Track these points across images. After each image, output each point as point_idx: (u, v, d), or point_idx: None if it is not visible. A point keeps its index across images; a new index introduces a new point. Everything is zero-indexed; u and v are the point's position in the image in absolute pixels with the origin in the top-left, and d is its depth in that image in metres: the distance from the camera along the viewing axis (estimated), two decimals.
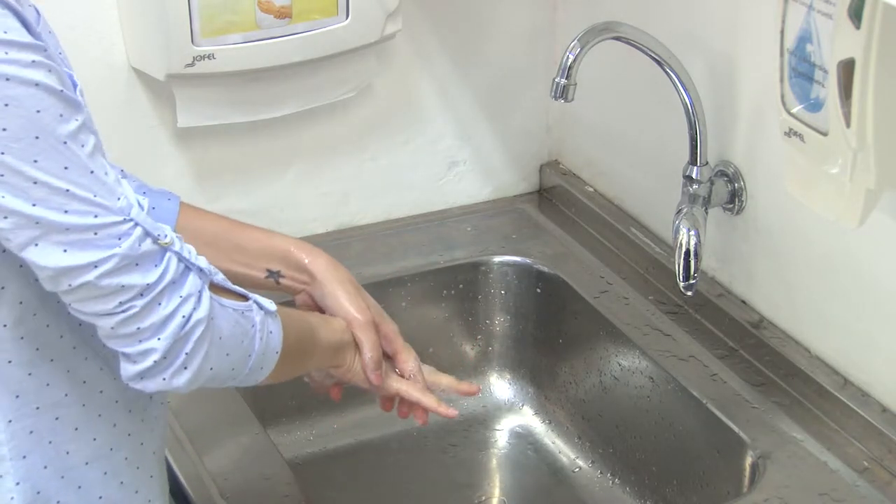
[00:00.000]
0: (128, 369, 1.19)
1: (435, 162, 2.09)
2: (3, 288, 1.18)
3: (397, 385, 1.51)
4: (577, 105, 1.69)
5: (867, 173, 1.34)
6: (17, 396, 1.21)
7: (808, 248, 1.64)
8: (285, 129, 1.95)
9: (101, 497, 1.28)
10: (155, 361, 1.18)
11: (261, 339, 1.26)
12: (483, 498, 1.90)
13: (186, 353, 1.19)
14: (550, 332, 1.95)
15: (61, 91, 1.10)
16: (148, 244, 1.16)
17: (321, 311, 1.51)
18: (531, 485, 1.91)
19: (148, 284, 1.15)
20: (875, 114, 1.30)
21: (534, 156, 2.15)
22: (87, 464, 1.27)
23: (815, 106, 1.38)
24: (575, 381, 1.91)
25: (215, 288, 1.23)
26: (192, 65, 1.75)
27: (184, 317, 1.18)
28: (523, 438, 1.95)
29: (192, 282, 1.19)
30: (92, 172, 1.12)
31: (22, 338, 1.20)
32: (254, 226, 1.53)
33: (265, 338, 1.27)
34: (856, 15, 1.28)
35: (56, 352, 1.22)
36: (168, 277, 1.17)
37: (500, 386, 2.00)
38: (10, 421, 1.21)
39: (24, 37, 1.09)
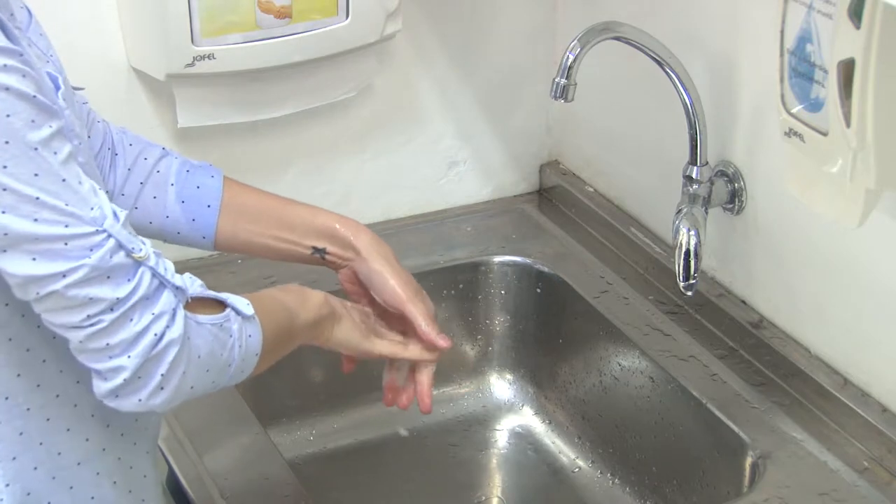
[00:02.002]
0: (99, 386, 1.17)
1: (435, 162, 2.08)
2: None
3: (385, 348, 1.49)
4: (577, 105, 1.69)
5: (867, 173, 1.34)
6: (7, 398, 1.21)
7: (808, 248, 1.64)
8: (285, 129, 1.95)
9: (93, 497, 1.28)
10: (125, 380, 1.15)
11: (240, 347, 1.24)
12: (483, 498, 1.90)
13: (162, 375, 1.16)
14: (550, 332, 1.94)
15: (34, 97, 1.08)
16: (121, 257, 1.13)
17: (364, 286, 1.50)
18: (531, 485, 1.91)
19: (118, 298, 1.13)
20: (875, 114, 1.30)
21: (534, 156, 2.15)
22: (79, 464, 1.26)
23: (815, 106, 1.38)
24: (575, 381, 1.90)
25: (191, 302, 1.20)
26: (192, 65, 1.75)
27: (156, 335, 1.15)
28: (523, 438, 1.95)
29: (167, 299, 1.16)
30: (64, 181, 1.10)
31: (10, 339, 1.19)
32: (298, 202, 1.52)
33: (244, 345, 1.24)
34: (856, 15, 1.28)
35: (48, 353, 1.21)
36: (140, 293, 1.14)
37: (500, 386, 2.00)
38: None
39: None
